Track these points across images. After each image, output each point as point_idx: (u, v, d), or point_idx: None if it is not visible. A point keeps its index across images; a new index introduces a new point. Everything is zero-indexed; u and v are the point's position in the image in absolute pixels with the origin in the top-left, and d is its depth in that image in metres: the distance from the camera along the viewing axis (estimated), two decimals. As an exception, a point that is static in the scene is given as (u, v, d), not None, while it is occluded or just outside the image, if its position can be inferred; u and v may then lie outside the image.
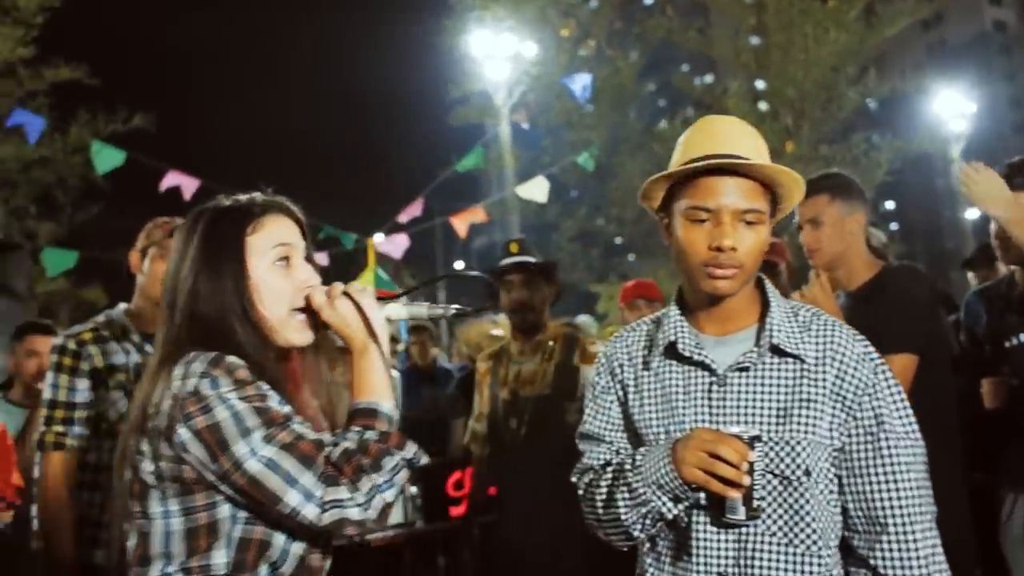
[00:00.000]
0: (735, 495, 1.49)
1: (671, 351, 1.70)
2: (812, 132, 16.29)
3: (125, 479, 1.50)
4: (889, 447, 1.59)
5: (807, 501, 1.56)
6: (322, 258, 9.67)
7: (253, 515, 1.46)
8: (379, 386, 1.54)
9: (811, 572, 1.56)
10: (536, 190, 10.28)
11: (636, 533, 1.68)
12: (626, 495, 1.65)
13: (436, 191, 11.02)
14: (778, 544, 1.56)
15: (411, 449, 1.49)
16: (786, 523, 1.57)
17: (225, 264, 1.54)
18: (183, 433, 1.40)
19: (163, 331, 1.56)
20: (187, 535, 1.45)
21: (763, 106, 17.55)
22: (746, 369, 1.63)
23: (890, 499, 1.57)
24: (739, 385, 1.63)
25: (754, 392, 1.62)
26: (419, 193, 9.93)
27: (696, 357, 1.66)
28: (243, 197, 1.63)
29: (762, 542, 1.57)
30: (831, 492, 1.60)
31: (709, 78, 24.04)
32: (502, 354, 3.63)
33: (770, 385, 1.61)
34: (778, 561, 1.56)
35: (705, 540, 1.61)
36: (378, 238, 10.05)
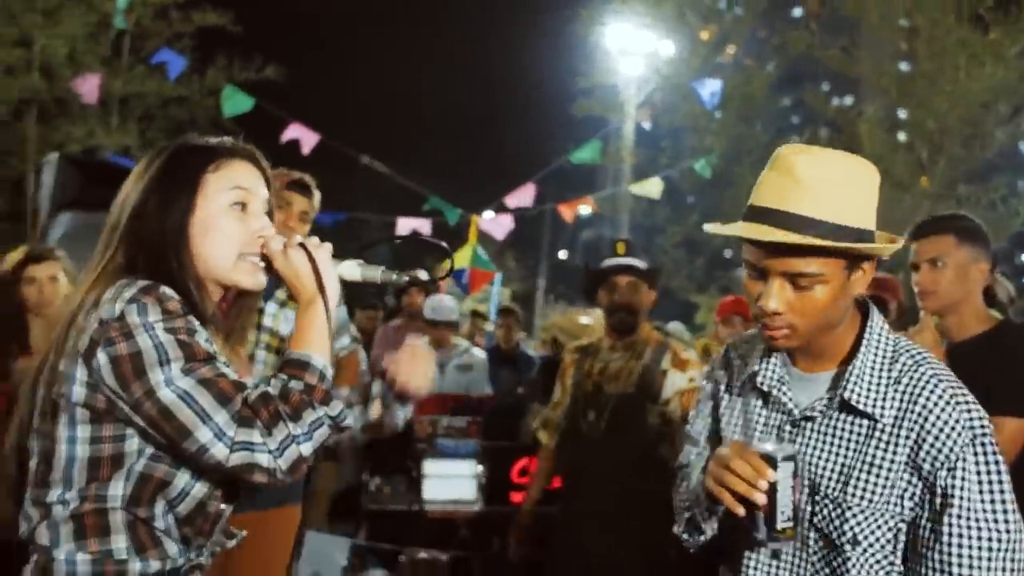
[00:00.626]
0: (741, 512, 1.45)
1: (752, 380, 1.63)
2: (949, 169, 15.43)
3: (37, 397, 1.48)
4: (956, 531, 1.40)
5: (849, 570, 1.48)
6: (425, 227, 9.75)
7: (160, 451, 1.43)
8: (317, 340, 1.49)
9: None
10: (651, 188, 10.18)
11: (696, 538, 1.67)
12: (683, 498, 1.66)
13: (549, 178, 11.00)
14: None
15: (336, 407, 1.45)
16: None
17: (176, 193, 1.53)
18: (101, 357, 1.38)
19: (99, 251, 1.54)
20: (89, 464, 1.42)
21: (900, 136, 16.72)
22: (813, 419, 1.55)
23: None
24: (810, 432, 1.55)
25: (821, 444, 1.54)
26: (531, 178, 9.91)
27: (774, 393, 1.58)
28: (212, 139, 1.62)
29: None
30: (890, 564, 1.47)
31: (849, 99, 23.08)
32: (590, 349, 3.60)
33: (836, 441, 1.52)
34: None
35: (748, 571, 1.60)
36: (486, 216, 10.09)
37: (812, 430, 1.55)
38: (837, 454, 1.51)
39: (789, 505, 1.44)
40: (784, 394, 1.57)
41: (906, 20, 16.12)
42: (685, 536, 1.70)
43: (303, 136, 8.53)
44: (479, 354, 5.95)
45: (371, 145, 10.90)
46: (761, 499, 1.42)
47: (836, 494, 1.49)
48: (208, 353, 1.41)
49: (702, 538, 1.64)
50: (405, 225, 9.64)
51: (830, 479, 1.51)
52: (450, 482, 4.62)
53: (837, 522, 1.49)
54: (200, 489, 1.47)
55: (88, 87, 9.49)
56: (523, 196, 9.66)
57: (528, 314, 22.09)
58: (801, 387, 1.58)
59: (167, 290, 1.43)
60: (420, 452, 4.73)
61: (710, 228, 1.55)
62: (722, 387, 1.74)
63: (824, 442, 1.53)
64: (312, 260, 1.53)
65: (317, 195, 3.06)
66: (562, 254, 30.61)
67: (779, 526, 1.43)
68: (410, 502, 4.68)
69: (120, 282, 1.43)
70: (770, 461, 1.42)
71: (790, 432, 1.56)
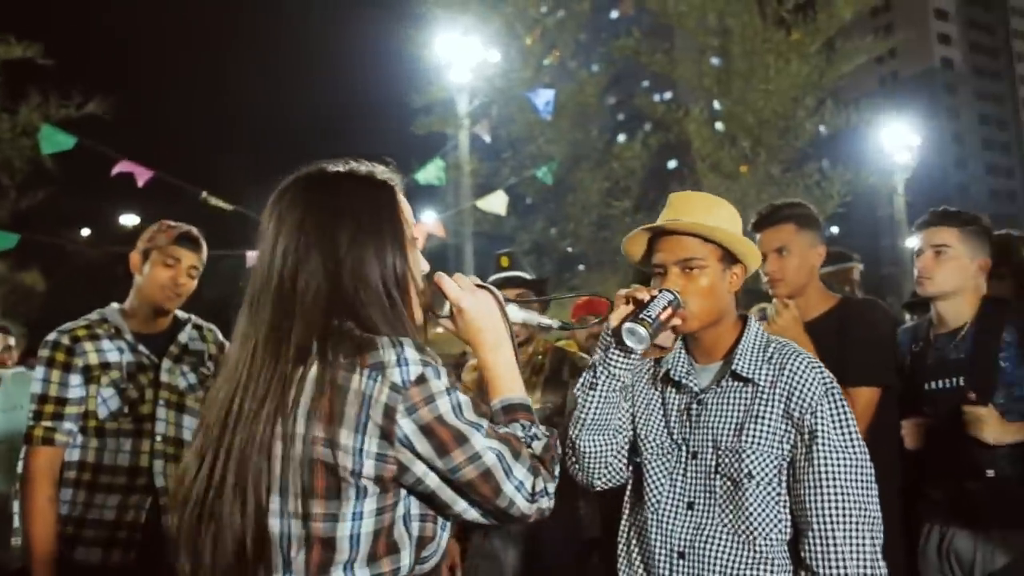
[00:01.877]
0: (617, 315, 1.94)
1: (667, 375, 2.06)
2: (769, 159, 16.60)
3: (286, 471, 1.30)
4: (821, 458, 1.85)
5: (749, 499, 1.88)
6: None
7: (426, 511, 1.39)
8: (520, 382, 1.53)
9: (751, 557, 1.87)
10: (496, 203, 10.33)
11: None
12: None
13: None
14: (725, 532, 1.90)
15: (559, 446, 1.50)
16: (732, 516, 1.90)
17: (388, 228, 1.41)
18: (406, 425, 1.30)
19: (302, 300, 1.35)
20: (374, 537, 1.32)
21: (721, 127, 17.79)
22: (712, 393, 1.99)
23: (816, 502, 1.84)
24: (711, 403, 1.98)
25: (719, 409, 1.97)
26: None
27: (683, 380, 2.02)
28: (360, 166, 1.48)
29: (713, 528, 1.91)
30: (778, 495, 1.89)
31: (668, 95, 24.27)
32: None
33: (730, 404, 1.96)
34: (724, 545, 1.89)
35: (665, 524, 1.97)
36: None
37: (712, 401, 1.99)
38: (731, 415, 1.95)
39: (656, 311, 1.87)
40: (691, 380, 2.02)
41: (717, 22, 17.22)
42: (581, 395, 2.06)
43: (136, 171, 8.17)
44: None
45: (209, 173, 10.55)
46: (642, 296, 1.90)
47: (733, 444, 1.92)
48: (482, 406, 1.41)
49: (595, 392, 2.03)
50: (253, 258, 9.37)
51: (727, 433, 1.94)
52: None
53: (736, 464, 1.90)
54: (448, 536, 1.45)
55: None
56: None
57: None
58: (700, 376, 2.04)
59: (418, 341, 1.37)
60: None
61: (631, 235, 2.06)
62: (637, 386, 2.14)
63: (721, 408, 1.97)
64: (498, 301, 1.54)
65: (205, 247, 2.92)
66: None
67: (642, 316, 1.85)
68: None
69: (382, 340, 1.32)
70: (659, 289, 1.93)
71: (696, 407, 1.99)
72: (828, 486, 1.83)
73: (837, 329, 2.71)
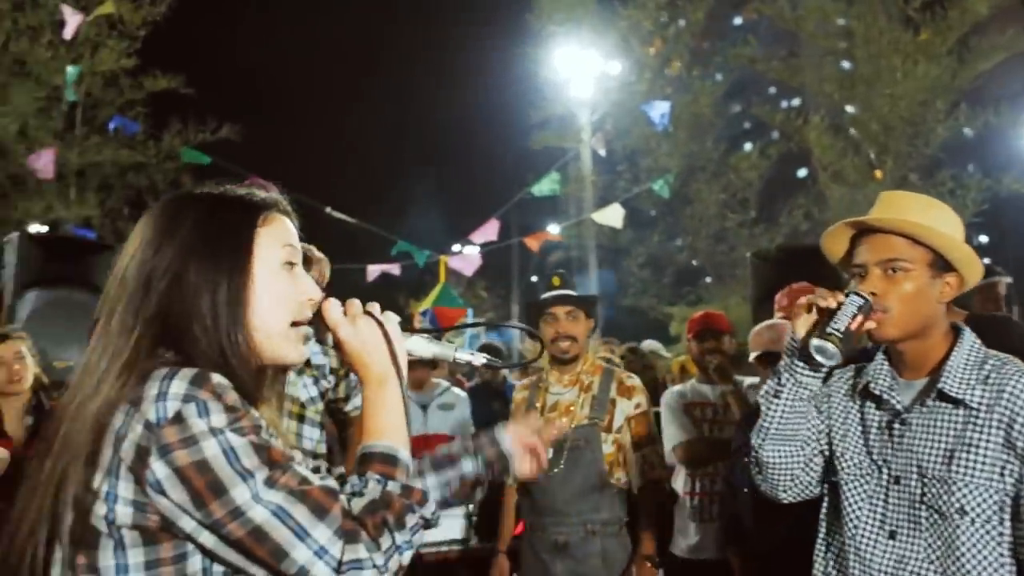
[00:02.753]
0: (802, 325, 1.84)
1: (867, 388, 1.91)
2: (897, 167, 15.84)
3: (57, 520, 1.20)
4: None
5: (960, 538, 1.69)
6: (394, 270, 9.85)
7: (232, 570, 1.19)
8: (398, 427, 1.32)
9: None
10: (612, 216, 10.35)
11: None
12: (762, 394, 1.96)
13: (513, 209, 11.16)
14: (931, 570, 1.72)
15: (430, 507, 1.29)
16: (941, 553, 1.72)
17: (227, 253, 1.28)
18: (159, 470, 1.13)
19: (114, 333, 1.26)
20: None
21: (843, 134, 17.08)
22: (916, 412, 1.81)
23: None
24: (915, 424, 1.80)
25: (924, 432, 1.79)
26: (494, 214, 10.07)
27: (884, 396, 1.86)
28: (238, 188, 1.38)
29: (918, 564, 1.74)
30: (999, 535, 1.69)
31: (796, 101, 23.53)
32: (539, 383, 3.68)
33: (938, 427, 1.77)
34: None
35: (864, 553, 1.81)
36: (454, 255, 10.24)
37: (916, 423, 1.80)
38: (939, 440, 1.76)
39: (845, 322, 1.74)
40: (893, 396, 1.85)
41: (842, 22, 16.60)
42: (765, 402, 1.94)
43: (265, 186, 8.64)
44: (460, 393, 6.01)
45: (334, 195, 11.01)
46: (829, 302, 1.77)
47: (942, 473, 1.73)
48: (284, 454, 1.20)
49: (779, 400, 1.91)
50: (374, 271, 9.72)
51: (935, 461, 1.75)
52: (442, 523, 4.66)
53: (945, 496, 1.72)
54: None
55: (43, 162, 9.51)
56: (488, 232, 9.81)
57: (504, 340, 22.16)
58: (904, 391, 1.86)
59: (221, 379, 1.20)
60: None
61: (829, 232, 1.94)
62: (833, 396, 2.00)
63: (927, 431, 1.79)
64: (385, 332, 1.35)
65: (326, 263, 3.01)
66: (533, 278, 30.83)
67: (829, 329, 1.73)
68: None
69: (158, 372, 1.19)
70: (845, 293, 1.78)
71: (899, 427, 1.82)
72: None
73: None
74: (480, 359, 1.50)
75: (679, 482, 4.03)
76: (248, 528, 1.14)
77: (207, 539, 1.16)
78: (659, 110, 10.75)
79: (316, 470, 1.36)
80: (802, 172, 24.64)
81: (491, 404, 6.39)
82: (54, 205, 14.32)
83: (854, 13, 15.87)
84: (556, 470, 3.41)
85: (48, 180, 12.34)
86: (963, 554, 1.68)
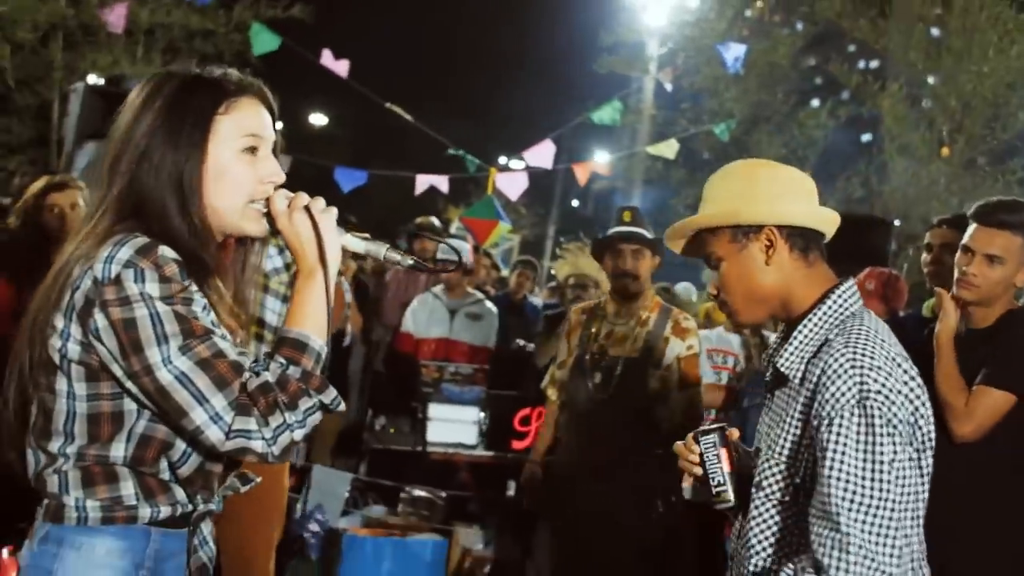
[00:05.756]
0: (687, 483, 1.77)
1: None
2: (968, 148, 15.32)
3: (34, 346, 1.43)
4: (828, 478, 1.50)
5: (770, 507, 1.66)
6: (443, 183, 9.81)
7: (157, 415, 1.40)
8: (315, 317, 1.43)
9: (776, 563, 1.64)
10: (667, 148, 10.23)
11: None
12: None
13: (566, 132, 11.06)
14: (758, 549, 1.66)
15: (331, 394, 1.40)
16: (764, 523, 1.67)
17: (186, 137, 1.42)
18: (99, 320, 1.34)
19: (97, 196, 1.46)
20: (89, 420, 1.40)
21: (925, 105, 16.44)
22: (775, 390, 1.76)
23: (815, 516, 1.54)
24: (772, 401, 1.77)
25: (771, 409, 1.76)
26: (550, 134, 9.96)
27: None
28: (217, 70, 1.49)
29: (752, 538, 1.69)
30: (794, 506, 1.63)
31: (875, 63, 22.63)
32: (597, 311, 3.75)
33: (775, 403, 1.73)
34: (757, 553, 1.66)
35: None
36: (503, 173, 10.20)
37: (773, 398, 1.77)
38: (775, 413, 1.73)
39: (719, 472, 1.65)
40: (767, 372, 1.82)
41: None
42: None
43: (336, 66, 8.70)
44: (491, 307, 6.02)
45: (394, 90, 10.97)
46: (695, 470, 1.70)
47: (772, 447, 1.67)
48: (206, 328, 1.35)
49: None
50: (423, 181, 9.72)
51: (770, 435, 1.70)
52: (453, 426, 4.84)
53: (770, 472, 1.66)
54: (200, 453, 1.44)
55: (115, 15, 9.54)
56: (541, 152, 9.72)
57: (538, 258, 22.24)
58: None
59: (166, 251, 1.36)
60: (426, 395, 4.93)
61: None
62: None
63: (773, 406, 1.75)
64: (316, 227, 1.44)
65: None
66: (574, 203, 30.60)
67: (714, 491, 1.65)
68: (413, 443, 4.90)
69: (115, 237, 1.37)
70: (695, 438, 1.69)
71: (768, 403, 1.79)
72: (831, 511, 1.51)
73: (991, 336, 2.58)
74: (408, 260, 1.51)
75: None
76: (155, 386, 1.33)
77: (131, 386, 1.37)
78: (734, 52, 10.43)
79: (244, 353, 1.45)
80: (866, 137, 23.89)
81: (507, 319, 6.43)
82: (121, 60, 14.41)
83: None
84: (601, 396, 3.51)
85: (117, 34, 12.40)
86: (781, 522, 1.66)
